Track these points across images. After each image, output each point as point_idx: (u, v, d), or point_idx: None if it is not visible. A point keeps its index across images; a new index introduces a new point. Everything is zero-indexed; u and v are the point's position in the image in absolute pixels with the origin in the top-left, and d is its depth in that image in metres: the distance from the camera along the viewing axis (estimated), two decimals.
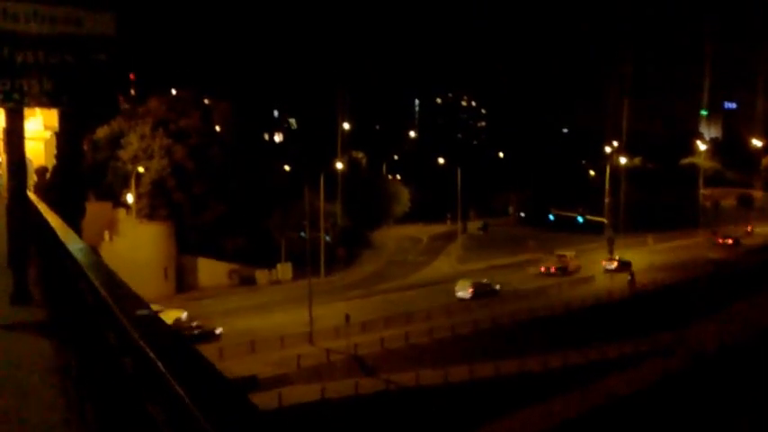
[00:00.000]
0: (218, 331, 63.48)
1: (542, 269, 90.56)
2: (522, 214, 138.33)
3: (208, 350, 43.76)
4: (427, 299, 76.47)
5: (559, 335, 66.54)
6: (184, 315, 67.17)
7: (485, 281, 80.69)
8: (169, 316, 59.83)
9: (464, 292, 77.29)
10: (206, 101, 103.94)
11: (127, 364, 3.40)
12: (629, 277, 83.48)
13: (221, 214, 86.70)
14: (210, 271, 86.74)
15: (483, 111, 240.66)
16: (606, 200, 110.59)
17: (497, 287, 79.69)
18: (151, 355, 2.81)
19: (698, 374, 60.32)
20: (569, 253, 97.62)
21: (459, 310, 72.42)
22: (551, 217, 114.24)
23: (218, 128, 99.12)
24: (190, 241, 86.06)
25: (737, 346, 66.56)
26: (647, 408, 55.34)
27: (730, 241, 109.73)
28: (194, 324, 63.53)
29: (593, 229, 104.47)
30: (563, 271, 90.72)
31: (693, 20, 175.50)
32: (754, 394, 56.61)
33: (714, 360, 63.49)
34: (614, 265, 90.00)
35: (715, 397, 55.96)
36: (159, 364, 2.72)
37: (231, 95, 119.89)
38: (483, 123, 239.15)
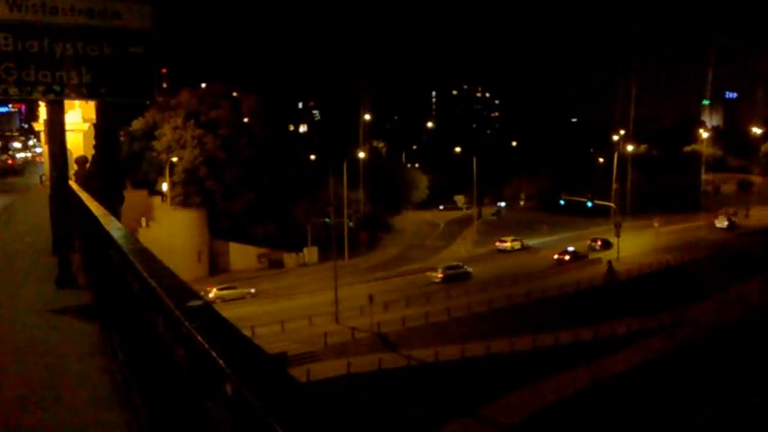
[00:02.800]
0: None
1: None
2: (522, 201, 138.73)
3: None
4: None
5: (569, 313, 66.31)
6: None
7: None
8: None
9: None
10: (234, 94, 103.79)
11: (177, 352, 3.13)
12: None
13: (251, 201, 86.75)
14: (241, 255, 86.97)
15: (496, 102, 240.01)
16: (614, 185, 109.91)
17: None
18: (207, 346, 2.52)
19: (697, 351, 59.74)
20: (731, 209, 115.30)
21: (475, 290, 72.15)
22: (562, 202, 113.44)
23: (246, 119, 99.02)
24: (221, 227, 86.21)
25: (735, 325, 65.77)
26: (649, 382, 54.89)
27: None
28: None
29: (601, 213, 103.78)
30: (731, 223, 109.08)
31: (697, 12, 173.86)
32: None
33: (712, 338, 62.80)
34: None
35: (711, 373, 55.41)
36: (215, 354, 2.43)
37: (258, 88, 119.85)
38: (496, 114, 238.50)
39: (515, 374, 54.21)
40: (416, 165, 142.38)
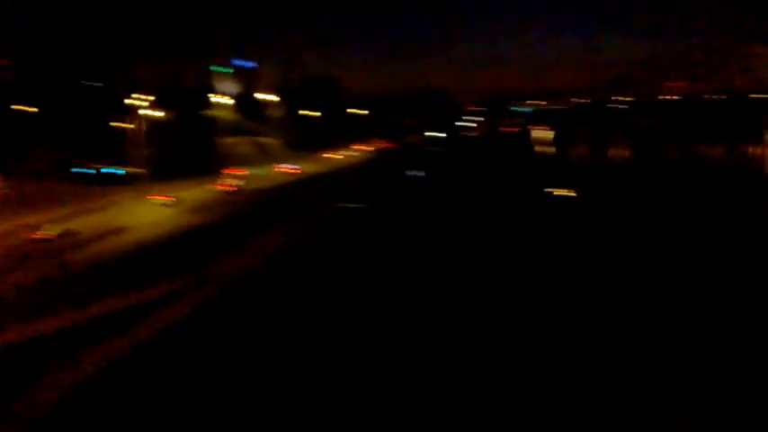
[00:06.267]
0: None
1: None
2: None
3: None
4: None
5: None
6: None
7: None
8: None
9: None
10: None
11: None
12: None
13: None
14: None
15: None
16: (144, 152, 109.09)
17: None
18: None
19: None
20: None
21: None
22: (89, 171, 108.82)
23: None
24: None
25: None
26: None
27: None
28: None
29: (134, 181, 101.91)
30: None
31: None
32: None
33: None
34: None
35: None
36: None
37: None
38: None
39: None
40: None
